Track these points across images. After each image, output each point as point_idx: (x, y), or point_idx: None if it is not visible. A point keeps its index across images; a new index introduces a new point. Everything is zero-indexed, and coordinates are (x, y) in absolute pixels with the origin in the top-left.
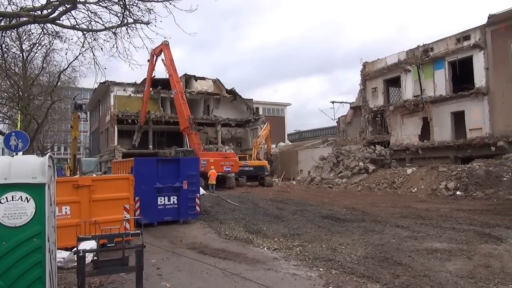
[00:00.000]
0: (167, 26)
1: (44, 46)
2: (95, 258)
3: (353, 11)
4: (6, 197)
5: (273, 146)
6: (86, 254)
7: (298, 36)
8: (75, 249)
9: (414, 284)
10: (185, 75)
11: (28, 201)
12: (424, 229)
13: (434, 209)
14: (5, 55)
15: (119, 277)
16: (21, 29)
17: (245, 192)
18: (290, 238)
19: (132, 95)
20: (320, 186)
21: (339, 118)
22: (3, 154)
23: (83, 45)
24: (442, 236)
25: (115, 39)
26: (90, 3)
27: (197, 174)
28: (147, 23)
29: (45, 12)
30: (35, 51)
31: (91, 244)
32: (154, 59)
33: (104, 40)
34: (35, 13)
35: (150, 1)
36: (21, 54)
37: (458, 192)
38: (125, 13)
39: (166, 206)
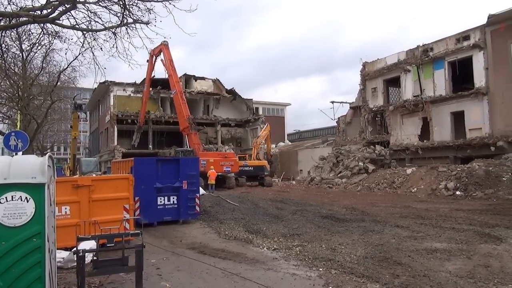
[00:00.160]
0: (167, 26)
1: (44, 46)
2: (94, 258)
3: (353, 11)
4: (6, 197)
5: (273, 146)
6: (86, 254)
7: (298, 36)
8: (75, 249)
9: (414, 284)
10: (185, 75)
11: (27, 201)
12: (423, 229)
13: (433, 209)
14: (5, 55)
15: (118, 277)
16: (20, 29)
17: (244, 192)
18: (290, 238)
19: (132, 95)
20: (320, 186)
21: (339, 118)
22: (2, 154)
23: (82, 45)
24: (441, 236)
25: (115, 39)
26: (89, 3)
27: (197, 174)
28: (147, 23)
29: (44, 12)
30: (34, 51)
31: (90, 244)
32: (154, 59)
33: (104, 40)
34: (35, 13)
35: (150, 1)
36: (20, 54)
37: (457, 192)
38: (125, 13)
39: (166, 206)
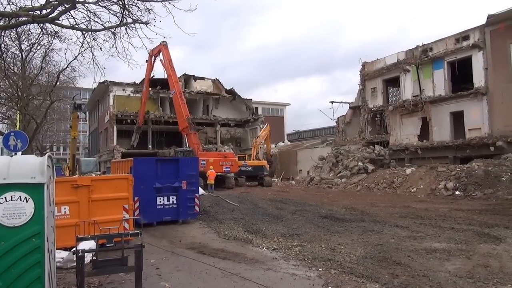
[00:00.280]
0: (166, 26)
1: (43, 46)
2: (94, 258)
3: (353, 11)
4: (5, 197)
5: (272, 146)
6: (85, 254)
7: (298, 36)
8: (74, 249)
9: (413, 284)
10: (184, 75)
11: (27, 201)
12: (423, 229)
13: (433, 209)
14: (4, 55)
15: (118, 277)
16: (20, 29)
17: (244, 192)
18: (289, 238)
19: (131, 95)
20: (319, 186)
21: (338, 118)
22: (2, 154)
23: (82, 45)
24: (441, 236)
25: (114, 39)
26: (89, 3)
27: (196, 174)
28: (147, 23)
29: (44, 12)
30: (34, 51)
31: (90, 244)
32: (153, 60)
33: (104, 40)
34: (34, 13)
35: (149, 1)
36: (20, 54)
37: (457, 192)
38: (124, 13)
39: (165, 206)
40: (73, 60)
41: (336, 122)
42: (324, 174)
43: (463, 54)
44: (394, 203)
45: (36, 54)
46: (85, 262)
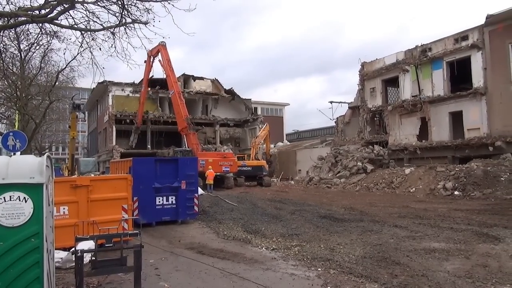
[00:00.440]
0: (166, 26)
1: (42, 46)
2: (93, 258)
3: (353, 11)
4: (4, 197)
5: (272, 146)
6: (84, 254)
7: (298, 36)
8: (73, 249)
9: (412, 283)
10: (184, 75)
11: (26, 201)
12: (422, 229)
13: (432, 209)
14: (3, 55)
15: (117, 277)
16: (19, 29)
17: (243, 192)
18: (289, 238)
19: (130, 95)
20: (319, 186)
21: (337, 118)
22: (1, 154)
23: (81, 45)
24: (440, 236)
25: (114, 39)
26: (88, 2)
27: (196, 174)
28: (146, 23)
29: (43, 11)
30: (33, 51)
31: (89, 244)
32: (151, 60)
33: (103, 40)
34: (33, 13)
35: (149, 1)
36: (19, 54)
37: (456, 192)
38: (123, 13)
39: (165, 206)
40: (72, 60)
41: (335, 122)
42: (323, 174)
43: (462, 54)
44: (393, 203)
45: (35, 54)
46: (84, 262)
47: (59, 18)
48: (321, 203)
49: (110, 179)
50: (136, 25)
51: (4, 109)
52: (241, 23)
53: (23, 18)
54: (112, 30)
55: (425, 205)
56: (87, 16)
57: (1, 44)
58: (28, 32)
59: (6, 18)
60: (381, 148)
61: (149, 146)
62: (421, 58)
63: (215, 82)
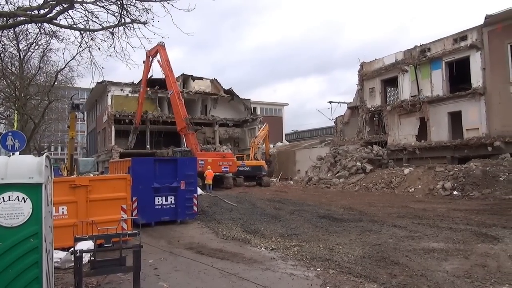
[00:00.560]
0: (165, 26)
1: (41, 46)
2: (92, 258)
3: (353, 11)
4: (3, 197)
5: (271, 146)
6: (83, 254)
7: (298, 36)
8: (72, 249)
9: (411, 283)
10: (183, 75)
11: (25, 201)
12: (421, 229)
13: (431, 209)
14: (2, 55)
15: (116, 277)
16: (18, 29)
17: (242, 192)
18: (288, 238)
19: (130, 95)
20: (318, 186)
21: (336, 118)
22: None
23: (80, 44)
24: (439, 236)
25: (113, 39)
26: (87, 2)
27: (195, 174)
28: (145, 23)
29: (42, 11)
30: (32, 50)
31: (88, 244)
32: (150, 61)
33: (102, 40)
34: (32, 13)
35: (148, 1)
36: (18, 54)
37: (455, 192)
38: (122, 13)
39: (164, 206)
40: (71, 60)
41: (334, 122)
42: (322, 174)
43: (461, 55)
44: (392, 203)
45: (34, 54)
46: (83, 262)
47: (58, 18)
48: (320, 203)
49: (109, 179)
50: (135, 25)
51: (3, 109)
52: (241, 23)
53: (22, 18)
54: (111, 30)
55: (424, 205)
56: (86, 16)
57: (0, 44)
58: (27, 32)
59: (5, 18)
60: (380, 148)
61: (148, 146)
62: (420, 58)
63: (214, 82)
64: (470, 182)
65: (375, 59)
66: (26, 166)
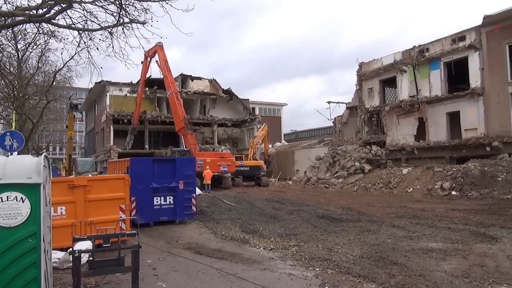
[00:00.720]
0: (164, 26)
1: (40, 46)
2: (90, 258)
3: (352, 11)
4: (1, 197)
5: (270, 146)
6: (82, 254)
7: (298, 36)
8: (71, 249)
9: (410, 283)
10: (181, 75)
11: (23, 201)
12: (419, 229)
13: (429, 209)
14: (0, 55)
15: (115, 278)
16: (16, 29)
17: (241, 192)
18: (286, 238)
19: (128, 95)
20: (316, 186)
21: (335, 118)
22: None
23: (79, 44)
24: (437, 235)
25: (111, 38)
26: (86, 2)
27: (193, 174)
28: (143, 23)
29: (40, 11)
30: (30, 50)
31: (86, 245)
32: (148, 61)
33: (100, 39)
34: (31, 12)
35: (146, 1)
36: (16, 54)
37: (453, 192)
38: (121, 13)
39: (162, 206)
40: (69, 59)
41: (333, 122)
42: (321, 174)
43: (460, 55)
44: (391, 203)
45: (32, 53)
46: (82, 262)
47: (57, 18)
48: (319, 203)
49: (107, 179)
50: (134, 25)
51: (1, 109)
52: (240, 23)
53: (20, 18)
54: (109, 30)
55: (422, 205)
56: (84, 15)
57: None
58: (26, 32)
59: (3, 18)
60: (379, 148)
61: (147, 146)
62: (418, 58)
63: (213, 82)
64: (468, 182)
65: (374, 59)
66: (25, 166)
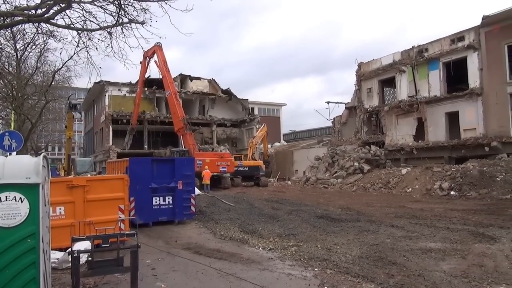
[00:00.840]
0: (163, 26)
1: (38, 46)
2: (89, 258)
3: (352, 11)
4: (0, 198)
5: (269, 146)
6: (81, 254)
7: (298, 37)
8: (70, 249)
9: (409, 283)
10: (180, 75)
11: (22, 202)
12: (418, 229)
13: (428, 209)
14: None
15: (113, 278)
16: (15, 28)
17: (240, 192)
18: (285, 238)
19: (127, 95)
20: (315, 186)
21: (334, 118)
22: None
23: (77, 44)
24: (436, 236)
25: (110, 38)
26: (85, 2)
27: (192, 174)
28: (143, 23)
29: (39, 11)
30: (29, 50)
31: (85, 245)
32: (147, 61)
33: (99, 39)
34: (30, 12)
35: (146, 1)
36: (15, 54)
37: (452, 192)
38: (120, 13)
39: (161, 206)
40: (68, 59)
41: (332, 123)
42: (320, 174)
43: (458, 55)
44: (390, 203)
45: (31, 53)
46: (81, 262)
47: (56, 18)
48: (318, 203)
49: (106, 179)
50: (133, 25)
51: (0, 108)
52: (240, 23)
53: (19, 18)
54: (108, 30)
55: (421, 205)
56: (83, 15)
57: None
58: (24, 32)
59: (2, 18)
60: (378, 148)
61: (146, 146)
62: (417, 58)
63: (212, 82)
64: (467, 182)
65: (373, 59)
66: (23, 166)
